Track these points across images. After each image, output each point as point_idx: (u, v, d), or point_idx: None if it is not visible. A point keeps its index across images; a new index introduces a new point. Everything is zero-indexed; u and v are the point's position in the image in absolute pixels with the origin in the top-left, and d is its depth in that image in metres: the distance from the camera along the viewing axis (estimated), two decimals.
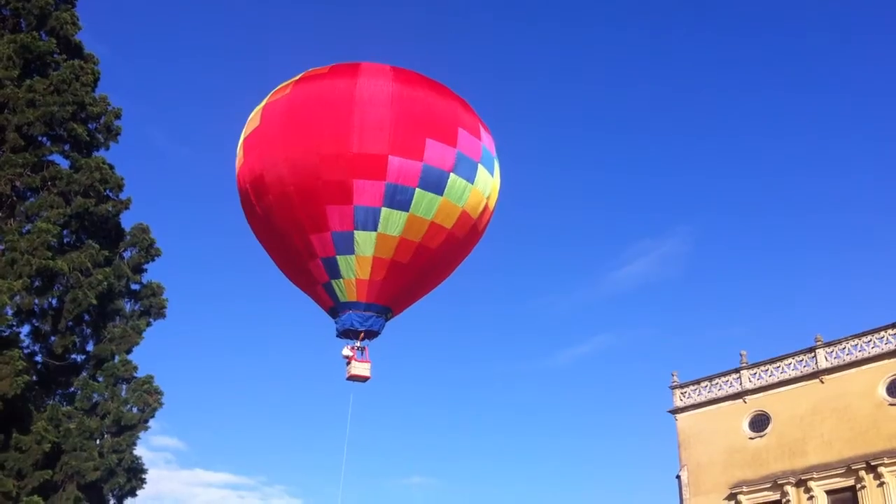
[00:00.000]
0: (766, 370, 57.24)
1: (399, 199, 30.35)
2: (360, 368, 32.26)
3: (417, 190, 30.44)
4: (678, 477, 58.47)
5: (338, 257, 31.05)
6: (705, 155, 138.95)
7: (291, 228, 31.39)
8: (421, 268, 32.15)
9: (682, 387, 60.51)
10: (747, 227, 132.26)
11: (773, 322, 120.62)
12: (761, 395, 56.67)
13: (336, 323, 32.33)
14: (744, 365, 57.99)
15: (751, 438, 56.19)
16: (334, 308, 32.31)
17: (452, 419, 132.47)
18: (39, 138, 32.87)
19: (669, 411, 60.31)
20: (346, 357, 32.23)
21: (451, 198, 31.07)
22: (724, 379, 58.86)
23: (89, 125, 34.38)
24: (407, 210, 30.53)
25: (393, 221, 30.51)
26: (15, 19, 34.06)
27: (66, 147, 33.69)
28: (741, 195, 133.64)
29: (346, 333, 32.24)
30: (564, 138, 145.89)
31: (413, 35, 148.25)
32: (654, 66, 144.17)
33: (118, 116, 35.29)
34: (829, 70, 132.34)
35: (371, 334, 32.35)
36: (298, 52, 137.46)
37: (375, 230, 30.54)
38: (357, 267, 31.13)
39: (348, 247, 30.79)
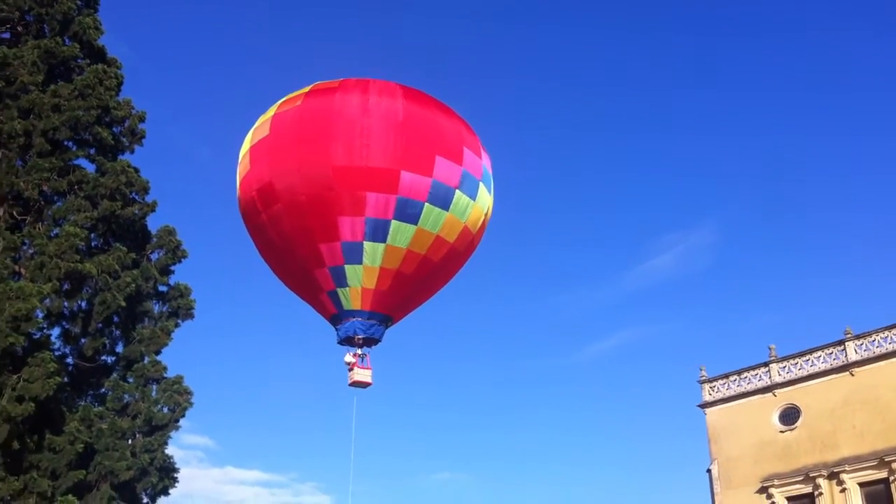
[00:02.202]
0: (796, 363, 56.97)
1: (409, 212, 31.39)
2: (362, 375, 33.08)
3: (426, 204, 31.52)
4: (709, 471, 58.26)
5: (346, 266, 31.87)
6: (730, 147, 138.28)
7: (300, 237, 32.07)
8: (422, 279, 33.28)
9: (710, 381, 60.27)
10: (774, 219, 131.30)
11: (801, 315, 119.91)
12: (791, 388, 56.40)
13: (338, 330, 33.17)
14: (773, 358, 57.73)
15: (781, 432, 55.93)
16: (337, 315, 33.08)
17: (480, 416, 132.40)
18: (65, 143, 33.10)
19: (699, 406, 60.09)
20: (349, 364, 33.03)
21: (455, 213, 32.29)
22: (753, 373, 58.61)
23: (114, 129, 34.63)
24: (415, 223, 31.60)
25: (402, 234, 31.55)
26: (38, 25, 34.35)
27: (92, 151, 33.90)
28: (768, 186, 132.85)
29: (348, 341, 33.10)
30: (586, 134, 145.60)
31: (416, 43, 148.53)
32: (677, 61, 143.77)
33: (142, 120, 35.54)
34: (861, 67, 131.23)
35: (371, 342, 33.23)
36: (312, 58, 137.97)
37: (384, 242, 31.51)
38: (364, 276, 32.00)
39: (357, 257, 31.67)
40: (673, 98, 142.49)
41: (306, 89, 33.00)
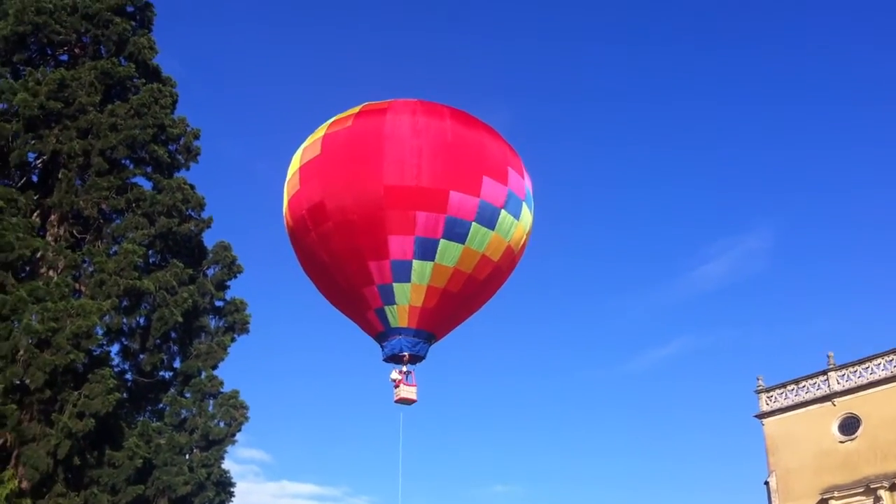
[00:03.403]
0: (855, 371, 56.23)
1: (457, 231, 31.97)
2: (408, 392, 33.56)
3: (474, 224, 32.12)
4: (766, 483, 57.63)
5: (394, 284, 32.39)
6: (783, 148, 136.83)
7: (350, 255, 32.58)
8: (467, 297, 33.87)
9: (767, 391, 59.65)
10: (830, 221, 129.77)
11: (860, 321, 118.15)
12: (851, 397, 55.70)
13: (384, 347, 33.69)
14: (831, 367, 57.00)
15: (841, 442, 55.21)
16: (383, 333, 33.60)
17: (534, 429, 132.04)
18: (123, 161, 33.60)
19: (756, 416, 59.45)
20: (394, 381, 33.52)
21: (500, 232, 32.86)
22: (811, 381, 57.95)
23: (169, 146, 35.08)
24: (463, 243, 32.18)
25: (449, 253, 32.12)
26: (95, 46, 34.99)
27: (149, 169, 34.42)
28: (823, 188, 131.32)
29: (393, 358, 33.54)
30: (637, 142, 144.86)
31: (459, 62, 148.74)
32: (731, 72, 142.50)
33: (197, 137, 35.98)
34: None
35: (416, 359, 33.68)
36: (360, 75, 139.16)
37: (433, 260, 32.08)
38: (412, 294, 32.52)
39: (406, 275, 32.18)
40: (726, 105, 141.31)
41: (356, 110, 33.48)
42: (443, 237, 31.90)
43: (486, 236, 32.47)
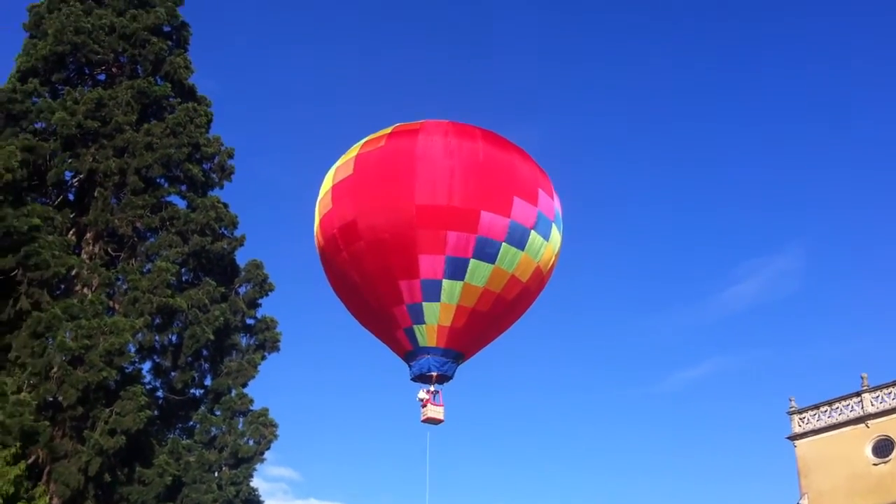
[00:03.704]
0: (890, 393, 55.53)
1: (488, 251, 32.12)
2: (435, 412, 33.64)
3: (504, 244, 32.25)
4: None
5: (424, 304, 32.55)
6: (815, 167, 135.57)
7: (381, 274, 32.76)
8: (496, 317, 33.94)
9: (800, 412, 59.05)
10: (863, 240, 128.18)
11: (895, 341, 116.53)
12: (885, 418, 54.90)
13: (412, 367, 33.79)
14: (865, 388, 56.33)
15: (875, 465, 54.52)
16: (412, 352, 33.68)
17: (563, 449, 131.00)
18: (158, 180, 34.10)
19: (788, 438, 58.92)
20: (422, 400, 33.65)
21: (529, 253, 32.98)
22: (844, 403, 57.27)
23: (204, 165, 35.54)
24: (493, 263, 32.31)
25: (479, 273, 32.24)
26: (132, 66, 35.52)
27: (183, 188, 34.89)
28: (854, 207, 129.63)
29: (421, 377, 33.65)
30: (668, 159, 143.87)
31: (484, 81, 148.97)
32: (760, 88, 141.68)
33: (231, 156, 36.36)
34: None
35: (444, 378, 33.79)
36: (390, 93, 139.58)
37: (463, 280, 32.22)
38: (441, 314, 32.65)
39: (436, 294, 32.34)
40: (758, 125, 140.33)
41: (388, 130, 33.73)
42: (473, 257, 32.05)
43: (515, 256, 32.61)
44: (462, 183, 32.05)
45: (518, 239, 32.53)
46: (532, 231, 32.89)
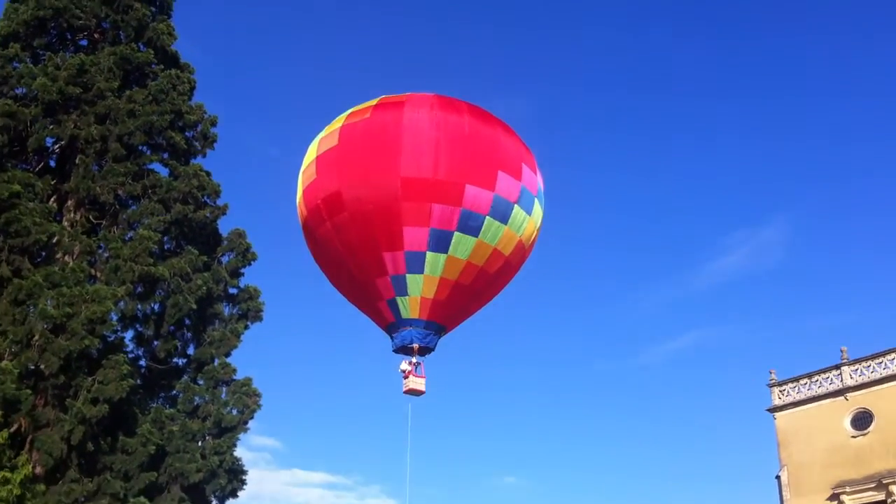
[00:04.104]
0: (868, 366, 56.05)
1: (471, 225, 32.12)
2: (417, 383, 33.58)
3: (487, 217, 32.24)
4: (778, 477, 57.60)
5: (407, 276, 32.52)
6: (799, 140, 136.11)
7: (365, 245, 32.66)
8: (478, 290, 34.02)
9: (780, 385, 59.51)
10: (846, 214, 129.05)
11: (874, 315, 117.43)
12: (863, 391, 55.52)
13: (394, 338, 33.78)
14: (844, 361, 56.82)
15: (853, 437, 55.07)
16: (394, 324, 33.66)
17: (545, 421, 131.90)
18: (140, 147, 33.74)
19: (768, 410, 59.37)
20: (404, 371, 33.61)
21: (512, 227, 33.08)
22: (824, 376, 57.77)
23: (186, 133, 35.21)
24: (476, 236, 32.34)
25: (463, 246, 32.26)
26: (114, 32, 35.09)
27: (165, 155, 34.57)
28: (839, 181, 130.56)
29: (403, 349, 33.65)
30: (651, 133, 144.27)
31: (463, 50, 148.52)
32: (748, 62, 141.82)
33: (214, 124, 36.08)
34: None
35: (426, 350, 33.78)
36: (378, 62, 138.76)
37: (446, 252, 32.24)
38: (424, 286, 32.66)
39: (419, 266, 32.35)
40: (742, 98, 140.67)
41: (373, 102, 33.58)
42: (457, 230, 32.06)
43: (498, 230, 32.71)
44: (447, 156, 31.99)
45: (502, 213, 32.58)
46: (515, 205, 32.96)
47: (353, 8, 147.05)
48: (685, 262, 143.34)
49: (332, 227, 33.06)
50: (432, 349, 34.10)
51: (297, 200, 34.70)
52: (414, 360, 33.76)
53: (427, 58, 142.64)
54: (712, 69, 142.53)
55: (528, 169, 33.89)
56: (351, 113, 33.64)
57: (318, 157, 33.44)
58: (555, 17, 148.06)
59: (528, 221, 33.80)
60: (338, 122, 33.58)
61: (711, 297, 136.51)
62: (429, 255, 32.22)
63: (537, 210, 34.48)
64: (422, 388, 33.75)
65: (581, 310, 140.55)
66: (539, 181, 34.78)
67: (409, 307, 33.14)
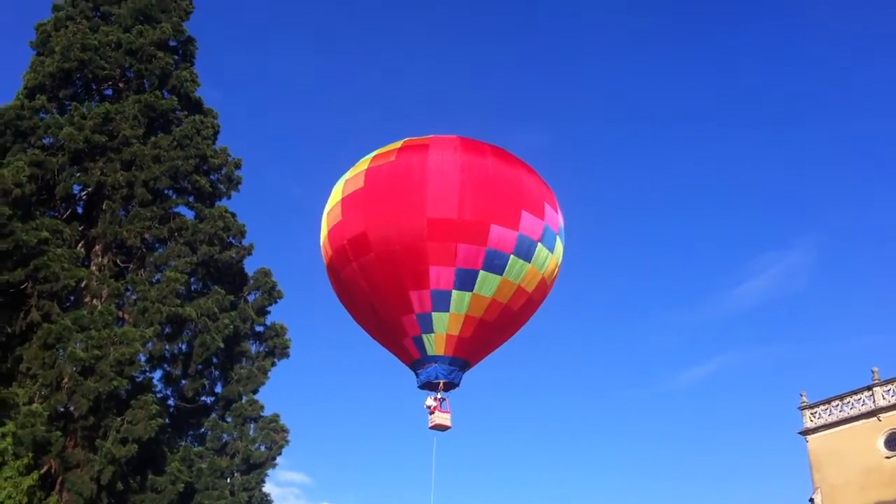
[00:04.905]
0: None
1: (496, 263, 32.81)
2: (442, 418, 34.10)
3: (512, 256, 32.95)
4: (811, 500, 57.16)
5: (433, 314, 33.13)
6: (825, 163, 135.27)
7: (391, 284, 33.27)
8: (502, 326, 34.67)
9: (811, 407, 59.15)
10: (873, 235, 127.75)
11: None
12: None
13: (419, 375, 34.31)
14: (876, 382, 56.42)
15: (887, 458, 54.59)
16: (419, 360, 34.21)
17: (574, 451, 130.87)
18: (165, 191, 34.69)
19: (800, 433, 59.04)
20: (429, 407, 34.08)
21: (535, 265, 33.75)
22: (856, 397, 57.34)
23: (211, 176, 36.08)
24: (501, 274, 33.01)
25: (488, 284, 32.94)
26: (139, 80, 36.05)
27: (191, 198, 35.45)
28: (865, 203, 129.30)
29: (428, 385, 34.18)
30: (676, 153, 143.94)
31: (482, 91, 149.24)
32: (768, 68, 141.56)
33: (238, 167, 36.93)
34: None
35: (450, 386, 34.36)
36: (398, 103, 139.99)
37: (472, 291, 32.89)
38: (450, 323, 33.28)
39: (445, 305, 33.02)
40: (766, 122, 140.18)
41: (398, 144, 34.49)
42: (482, 269, 32.80)
43: (522, 268, 33.42)
44: (472, 197, 32.82)
45: (525, 251, 33.32)
46: (539, 244, 33.71)
47: (374, 49, 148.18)
48: (712, 288, 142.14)
49: (359, 267, 33.74)
50: (457, 385, 34.65)
51: (322, 240, 35.37)
52: (439, 395, 34.25)
53: (449, 95, 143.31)
54: (733, 95, 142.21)
55: (549, 207, 34.64)
56: (376, 155, 34.45)
57: (343, 199, 34.16)
58: (565, 47, 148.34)
59: (550, 259, 34.51)
60: (363, 165, 34.36)
61: (739, 321, 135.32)
62: (454, 293, 32.91)
63: (559, 247, 35.20)
64: (447, 423, 34.26)
65: (609, 336, 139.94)
66: (560, 219, 35.52)
67: (435, 344, 33.76)
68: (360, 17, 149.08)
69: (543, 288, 35.06)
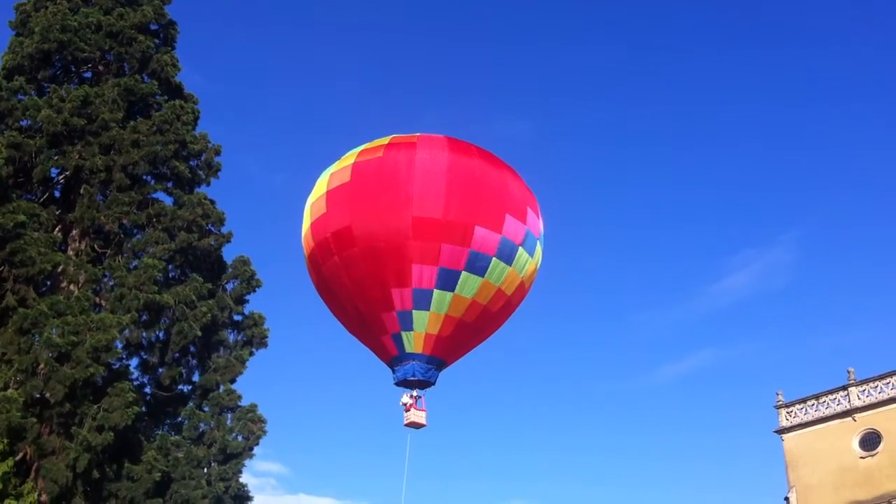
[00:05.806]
0: (876, 387, 55.84)
1: (479, 265, 33.20)
2: (418, 416, 34.43)
3: (494, 259, 33.38)
4: (786, 499, 57.31)
5: (414, 311, 33.39)
6: (808, 160, 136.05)
7: (372, 280, 33.48)
8: (479, 327, 35.10)
9: (787, 406, 59.29)
10: (854, 235, 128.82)
11: (882, 336, 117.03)
12: (871, 412, 55.25)
13: (396, 371, 34.51)
14: (852, 382, 56.64)
15: (861, 458, 54.81)
16: (397, 357, 34.36)
17: (553, 442, 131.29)
18: (144, 177, 34.19)
19: (776, 431, 59.18)
20: (405, 405, 34.33)
21: (516, 268, 34.20)
22: (831, 397, 57.56)
23: (191, 162, 35.59)
24: (482, 276, 33.44)
25: (469, 285, 33.32)
26: (119, 64, 35.54)
27: (170, 184, 34.91)
28: (847, 202, 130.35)
29: (405, 382, 34.37)
30: (659, 149, 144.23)
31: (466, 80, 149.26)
32: (756, 74, 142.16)
33: (218, 153, 36.44)
34: None
35: (426, 384, 34.58)
36: (382, 91, 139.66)
37: (453, 291, 33.22)
38: (430, 322, 33.53)
39: (426, 303, 33.24)
40: (749, 115, 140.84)
41: (385, 141, 34.49)
42: (465, 269, 33.03)
43: (503, 271, 33.72)
44: (458, 198, 33.02)
45: (507, 254, 33.62)
46: (520, 248, 34.07)
47: (358, 37, 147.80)
48: (692, 283, 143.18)
49: (341, 260, 33.64)
50: (433, 383, 34.81)
51: (304, 232, 35.07)
52: (415, 393, 34.50)
53: (434, 83, 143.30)
54: (715, 89, 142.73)
55: (532, 213, 35.02)
56: (363, 150, 34.40)
57: (328, 192, 33.98)
58: (542, 26, 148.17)
59: (530, 263, 34.89)
60: (349, 159, 34.22)
61: (719, 317, 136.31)
62: (436, 293, 33.10)
63: (538, 252, 35.59)
64: (423, 421, 34.50)
65: (587, 331, 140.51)
66: (541, 225, 35.96)
67: (414, 342, 33.89)
68: (343, 4, 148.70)
69: (521, 291, 35.50)
